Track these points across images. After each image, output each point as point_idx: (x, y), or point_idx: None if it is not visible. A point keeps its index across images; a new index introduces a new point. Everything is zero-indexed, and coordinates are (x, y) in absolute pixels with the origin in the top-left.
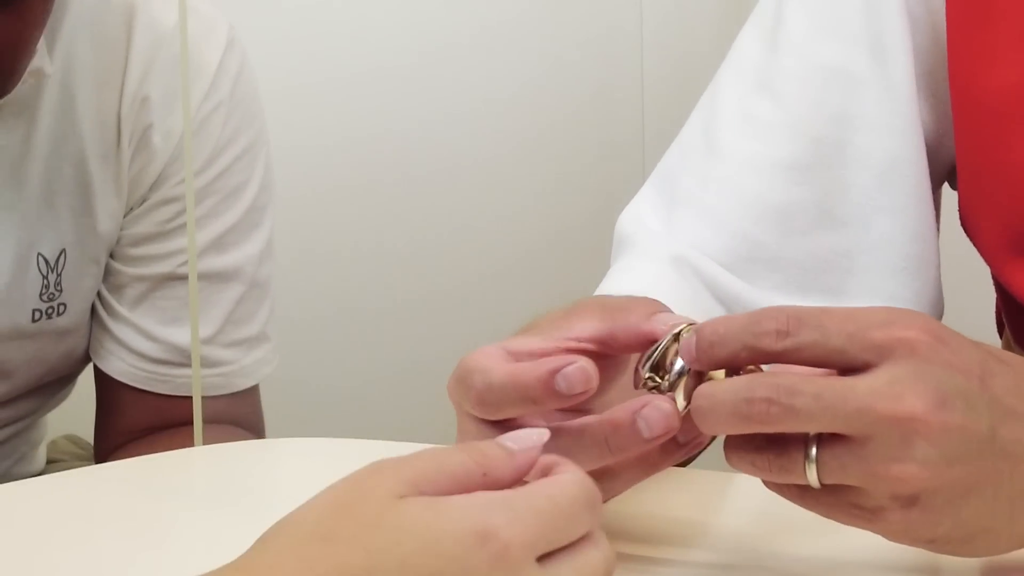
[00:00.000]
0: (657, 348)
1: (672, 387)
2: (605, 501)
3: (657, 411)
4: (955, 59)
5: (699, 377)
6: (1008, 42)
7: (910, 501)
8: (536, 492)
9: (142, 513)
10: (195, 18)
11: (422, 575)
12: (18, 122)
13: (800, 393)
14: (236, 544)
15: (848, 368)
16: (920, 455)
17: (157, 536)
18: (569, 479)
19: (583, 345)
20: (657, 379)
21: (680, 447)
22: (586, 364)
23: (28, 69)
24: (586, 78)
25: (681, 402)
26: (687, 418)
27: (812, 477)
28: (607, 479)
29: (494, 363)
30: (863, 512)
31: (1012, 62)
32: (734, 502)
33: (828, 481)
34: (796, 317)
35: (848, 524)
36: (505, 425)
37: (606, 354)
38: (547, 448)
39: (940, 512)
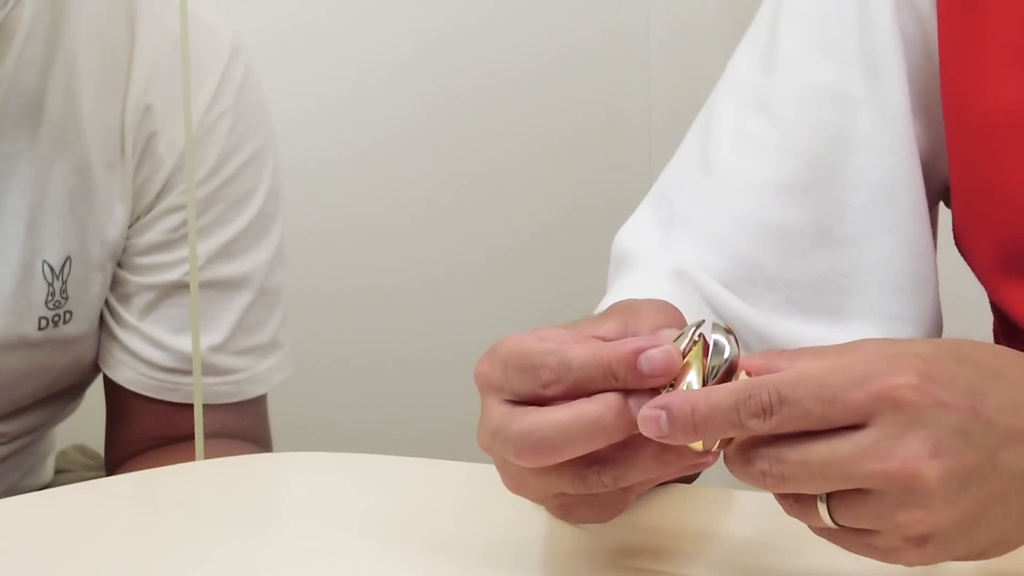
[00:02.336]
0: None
1: None
2: (623, 503)
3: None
4: (947, 79)
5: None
6: (999, 62)
7: (923, 540)
8: None
9: (146, 528)
10: (198, 26)
11: None
12: (22, 131)
13: (786, 462)
14: (241, 560)
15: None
16: (925, 501)
17: (161, 552)
18: None
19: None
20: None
21: (694, 453)
22: (671, 349)
23: None
24: (592, 83)
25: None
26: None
27: (827, 519)
28: (620, 464)
29: (556, 344)
30: (879, 551)
31: (1003, 82)
32: (736, 517)
33: (843, 523)
34: (776, 394)
35: (867, 557)
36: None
37: None
38: (538, 421)
39: (953, 543)
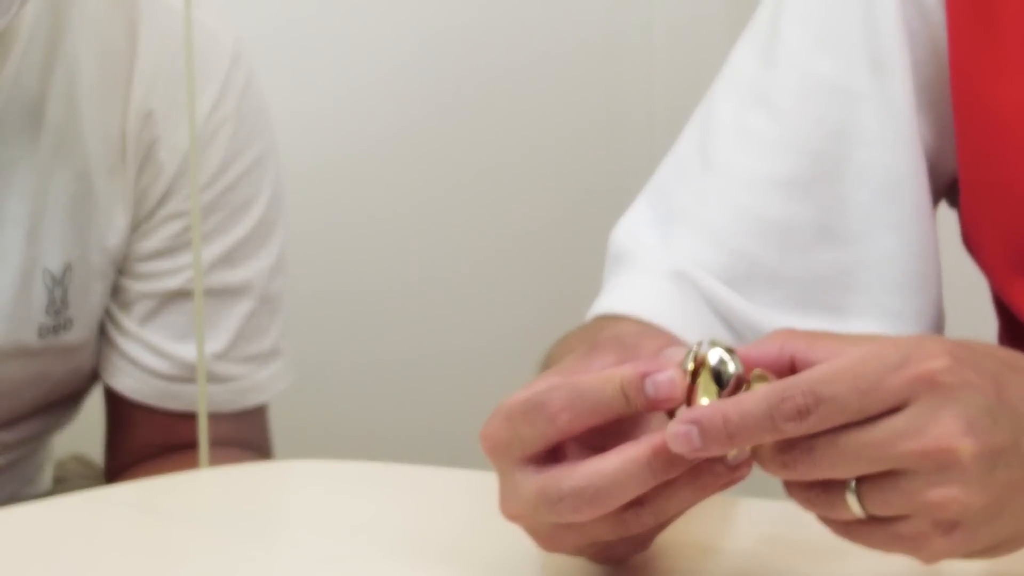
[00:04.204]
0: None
1: None
2: (658, 530)
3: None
4: (958, 74)
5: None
6: (1014, 56)
7: (952, 526)
8: None
9: (148, 537)
10: (200, 32)
11: None
12: (22, 137)
13: (814, 448)
14: (244, 568)
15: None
16: (958, 479)
17: (163, 560)
18: None
19: None
20: None
21: (729, 469)
22: (674, 373)
23: None
24: (595, 80)
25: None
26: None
27: (856, 508)
28: (659, 501)
29: (555, 380)
30: (906, 540)
31: (1017, 77)
32: (741, 526)
33: (872, 511)
34: (811, 392)
35: (891, 552)
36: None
37: None
38: (592, 473)
39: (980, 531)
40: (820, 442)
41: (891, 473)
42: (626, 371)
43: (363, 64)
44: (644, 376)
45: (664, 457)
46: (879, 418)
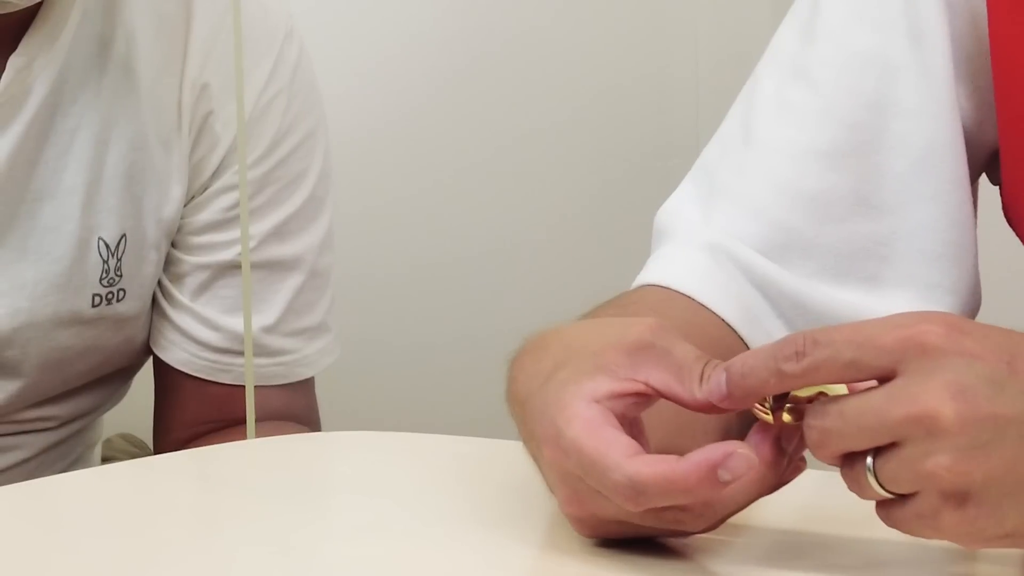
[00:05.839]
0: None
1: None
2: (716, 526)
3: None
4: (998, 45)
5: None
6: None
7: (961, 499)
8: None
9: (196, 505)
10: (254, 7)
11: None
12: (78, 106)
13: (826, 414)
14: (290, 537)
15: (870, 379)
16: (949, 446)
17: (211, 528)
18: None
19: (648, 391)
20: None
21: (788, 458)
22: (747, 451)
23: None
24: (640, 82)
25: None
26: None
27: (875, 486)
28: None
29: (621, 455)
30: (924, 519)
31: None
32: (774, 495)
33: (890, 487)
34: (811, 338)
35: (924, 537)
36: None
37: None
38: (634, 495)
39: (999, 506)
40: (829, 408)
41: (895, 445)
42: (690, 476)
43: (405, 38)
44: (715, 467)
45: (705, 486)
46: (882, 382)
